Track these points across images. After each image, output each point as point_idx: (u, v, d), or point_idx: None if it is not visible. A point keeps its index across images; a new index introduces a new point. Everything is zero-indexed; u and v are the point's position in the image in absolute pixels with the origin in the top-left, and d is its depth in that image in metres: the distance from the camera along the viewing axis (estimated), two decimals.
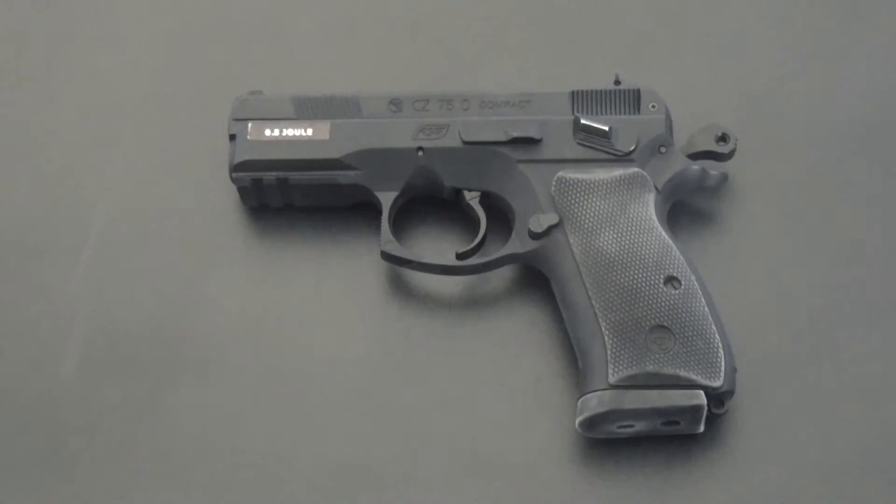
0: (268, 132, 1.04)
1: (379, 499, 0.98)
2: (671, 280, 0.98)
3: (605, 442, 0.98)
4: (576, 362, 0.99)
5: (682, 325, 0.96)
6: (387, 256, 1.03)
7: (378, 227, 1.04)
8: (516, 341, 1.03)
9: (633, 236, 0.99)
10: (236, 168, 1.04)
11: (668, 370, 0.95)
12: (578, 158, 1.03)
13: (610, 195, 1.01)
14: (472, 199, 1.04)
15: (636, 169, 1.02)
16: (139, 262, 1.07)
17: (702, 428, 0.96)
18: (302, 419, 1.01)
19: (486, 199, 1.04)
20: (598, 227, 1.00)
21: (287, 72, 1.14)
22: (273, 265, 1.06)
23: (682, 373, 0.95)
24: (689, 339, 0.96)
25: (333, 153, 1.04)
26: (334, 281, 1.05)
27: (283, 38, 1.16)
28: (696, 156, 1.04)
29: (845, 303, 1.03)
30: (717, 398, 0.96)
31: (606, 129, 1.03)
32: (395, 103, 1.05)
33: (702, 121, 1.06)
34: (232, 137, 1.05)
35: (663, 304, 0.96)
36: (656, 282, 0.97)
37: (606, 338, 0.96)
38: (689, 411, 0.95)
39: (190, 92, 1.14)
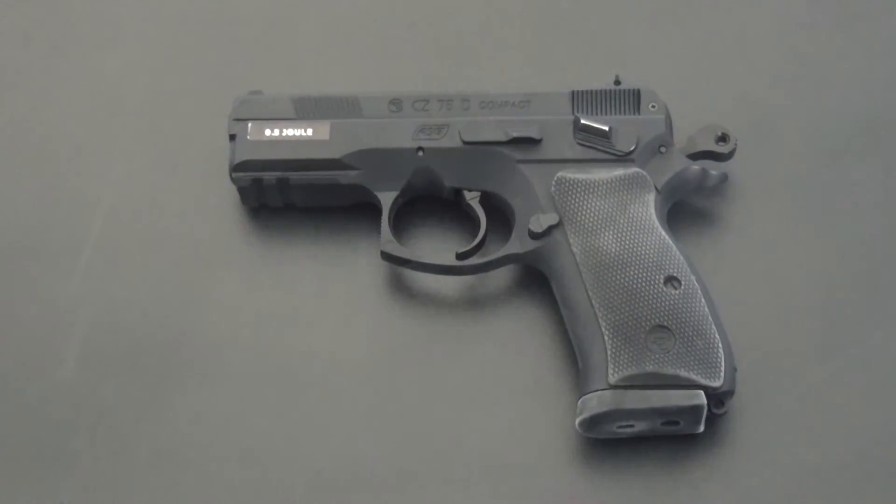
0: (268, 132, 1.04)
1: (379, 499, 0.98)
2: (671, 280, 0.98)
3: (605, 442, 0.98)
4: (576, 362, 0.99)
5: (682, 325, 0.96)
6: (387, 256, 1.03)
7: (378, 227, 1.04)
8: (516, 341, 1.03)
9: (633, 236, 0.99)
10: (236, 168, 1.04)
11: (669, 370, 0.95)
12: (578, 158, 1.03)
13: (610, 195, 1.01)
14: (472, 199, 1.04)
15: (636, 169, 1.02)
16: (139, 262, 1.07)
17: (702, 428, 0.96)
18: (301, 419, 1.01)
19: (486, 199, 1.04)
20: (598, 227, 1.00)
21: (287, 72, 1.14)
22: (273, 265, 1.06)
23: (683, 373, 0.95)
24: (689, 339, 0.96)
25: (333, 153, 1.04)
26: (334, 281, 1.05)
27: (283, 38, 1.16)
28: (696, 156, 1.04)
29: (845, 303, 1.03)
30: (717, 398, 0.96)
31: (606, 129, 1.03)
32: (395, 103, 1.05)
33: (702, 121, 1.06)
34: (232, 137, 1.05)
35: (663, 304, 0.96)
36: (656, 282, 0.97)
37: (606, 338, 0.96)
38: (689, 411, 0.95)
39: (190, 92, 1.14)
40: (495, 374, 1.02)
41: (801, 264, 1.05)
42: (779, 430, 0.99)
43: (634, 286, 0.97)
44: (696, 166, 1.03)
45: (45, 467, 0.99)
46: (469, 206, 1.04)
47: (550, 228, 1.01)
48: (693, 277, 0.98)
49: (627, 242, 0.99)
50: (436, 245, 1.06)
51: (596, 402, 0.95)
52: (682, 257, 0.98)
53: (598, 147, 1.03)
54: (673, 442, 0.98)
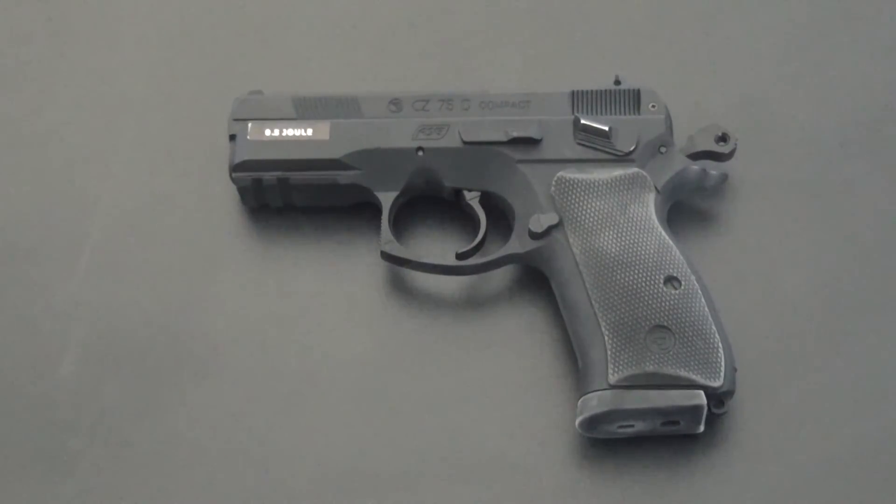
0: (268, 132, 1.04)
1: (379, 499, 0.98)
2: (671, 280, 0.98)
3: (605, 442, 0.98)
4: (576, 362, 0.99)
5: (682, 324, 0.96)
6: (387, 256, 1.03)
7: (378, 227, 1.04)
8: (516, 341, 1.03)
9: (633, 236, 0.99)
10: (236, 168, 1.04)
11: (668, 370, 0.95)
12: (578, 158, 1.03)
13: (610, 195, 1.01)
14: (472, 199, 1.04)
15: (636, 169, 1.02)
16: (139, 262, 1.07)
17: (702, 428, 0.96)
18: (302, 419, 1.01)
19: (486, 199, 1.04)
20: (598, 227, 1.00)
21: (287, 72, 1.14)
22: (273, 265, 1.06)
23: (682, 373, 0.95)
24: (689, 338, 0.96)
25: (333, 153, 1.04)
26: (334, 281, 1.05)
27: (283, 38, 1.16)
28: (696, 156, 1.04)
29: (845, 302, 1.03)
30: (717, 398, 0.96)
31: (606, 129, 1.03)
32: (395, 103, 1.05)
33: (702, 121, 1.06)
34: (232, 137, 1.05)
35: (663, 303, 0.96)
36: (656, 282, 0.97)
37: (606, 338, 0.96)
38: (689, 411, 0.95)
39: (190, 92, 1.14)
40: (495, 374, 1.02)
41: (801, 264, 1.05)
42: (779, 430, 0.99)
43: (634, 286, 0.97)
44: (696, 166, 1.03)
45: (45, 467, 0.99)
46: (469, 206, 1.04)
47: (550, 228, 1.01)
48: (693, 277, 0.98)
49: (627, 242, 0.99)
50: (436, 245, 1.06)
51: (596, 402, 0.95)
52: (682, 257, 0.99)
53: (598, 147, 1.03)
54: (673, 442, 0.98)
